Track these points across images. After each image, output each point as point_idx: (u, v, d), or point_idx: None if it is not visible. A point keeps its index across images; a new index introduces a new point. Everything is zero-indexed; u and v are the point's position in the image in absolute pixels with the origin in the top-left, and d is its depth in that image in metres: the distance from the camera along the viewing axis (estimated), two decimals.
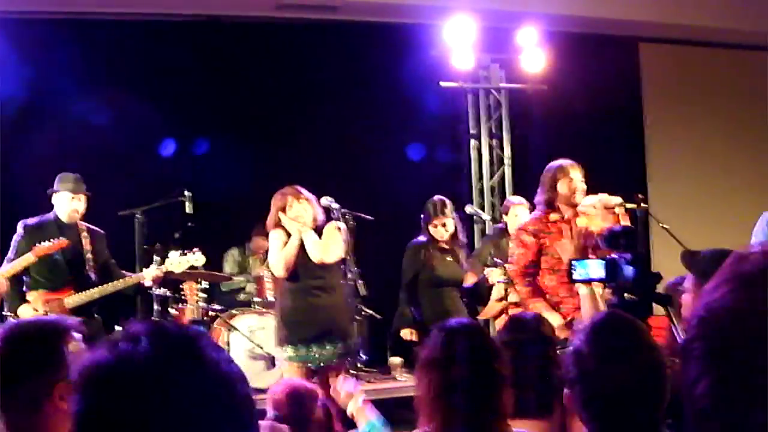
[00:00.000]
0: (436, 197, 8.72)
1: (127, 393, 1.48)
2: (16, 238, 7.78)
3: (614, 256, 4.58)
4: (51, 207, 8.01)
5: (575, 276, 4.85)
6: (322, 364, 7.51)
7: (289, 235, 7.60)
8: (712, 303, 1.41)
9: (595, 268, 4.69)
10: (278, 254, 7.61)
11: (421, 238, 8.74)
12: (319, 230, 7.63)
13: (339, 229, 7.71)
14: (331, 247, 7.63)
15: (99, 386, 1.52)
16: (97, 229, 8.16)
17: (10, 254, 7.68)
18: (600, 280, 4.88)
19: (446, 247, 8.73)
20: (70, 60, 10.54)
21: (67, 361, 2.92)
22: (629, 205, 7.35)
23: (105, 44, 10.89)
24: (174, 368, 1.51)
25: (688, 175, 13.14)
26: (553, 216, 7.35)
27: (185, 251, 8.11)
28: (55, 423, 2.90)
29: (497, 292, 9.26)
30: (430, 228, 8.63)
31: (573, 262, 4.86)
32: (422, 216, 8.72)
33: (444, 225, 8.63)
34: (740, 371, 1.32)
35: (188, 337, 1.58)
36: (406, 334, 8.67)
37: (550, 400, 3.69)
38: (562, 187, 7.31)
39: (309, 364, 7.55)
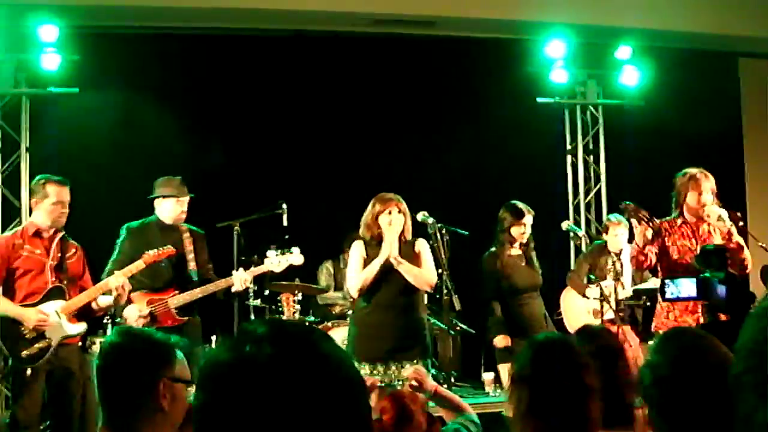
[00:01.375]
0: (513, 202, 8.70)
1: (247, 392, 1.52)
2: (119, 240, 7.96)
3: (707, 275, 4.55)
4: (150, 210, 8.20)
5: (667, 294, 4.83)
6: (388, 383, 7.27)
7: (370, 247, 7.58)
8: (760, 332, 1.41)
9: (687, 286, 4.66)
10: (357, 273, 7.54)
11: (492, 249, 8.71)
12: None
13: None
14: (431, 269, 7.64)
15: (221, 384, 1.56)
16: (197, 229, 8.30)
17: (115, 256, 7.87)
18: (692, 299, 4.85)
19: (519, 252, 8.69)
20: (156, 73, 10.78)
21: (175, 366, 3.05)
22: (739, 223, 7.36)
23: (196, 59, 11.11)
24: (295, 369, 1.54)
25: None
26: (680, 221, 7.50)
27: (283, 250, 8.16)
28: (153, 419, 3.01)
29: (592, 309, 9.23)
30: (513, 230, 8.59)
31: (665, 281, 4.85)
32: (500, 221, 8.67)
33: (525, 226, 8.61)
34: None
35: (308, 336, 1.62)
36: (500, 341, 8.62)
37: (630, 410, 3.68)
38: (690, 199, 7.39)
39: (387, 382, 7.32)
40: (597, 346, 3.95)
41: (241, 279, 7.95)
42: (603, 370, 3.66)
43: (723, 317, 4.34)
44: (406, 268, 7.48)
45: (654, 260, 7.40)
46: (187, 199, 8.10)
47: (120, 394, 3.05)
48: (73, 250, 7.56)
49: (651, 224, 7.29)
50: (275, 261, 8.08)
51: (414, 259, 7.59)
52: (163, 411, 3.01)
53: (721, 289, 4.38)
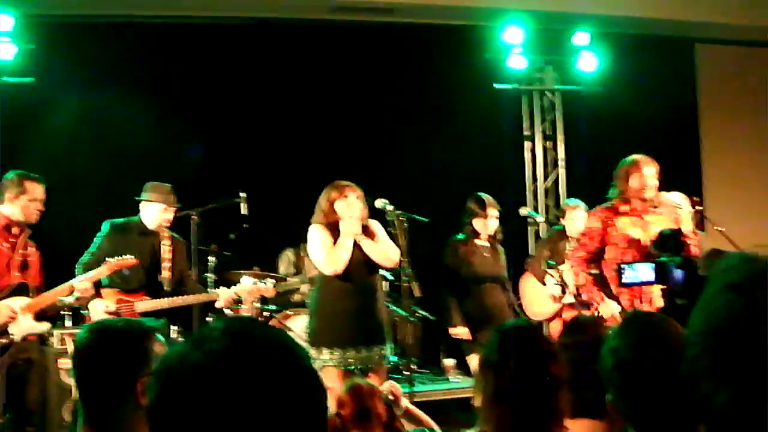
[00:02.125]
0: (480, 194, 8.73)
1: (200, 387, 1.53)
2: (100, 234, 7.87)
3: (664, 259, 4.58)
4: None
5: (624, 279, 4.86)
6: (359, 368, 7.35)
7: (328, 231, 7.56)
8: (711, 315, 1.41)
9: (644, 271, 4.69)
10: (329, 251, 7.49)
11: (459, 235, 8.74)
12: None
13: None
14: (392, 245, 7.66)
15: (173, 379, 1.57)
16: (178, 237, 8.27)
17: (92, 248, 7.81)
18: (649, 283, 4.88)
19: (485, 243, 8.71)
20: (115, 63, 10.71)
21: (152, 360, 3.03)
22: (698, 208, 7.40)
23: (156, 47, 11.01)
24: (243, 362, 1.55)
25: (744, 177, 13.01)
26: (623, 207, 7.50)
27: (259, 279, 8.17)
28: (134, 417, 3.00)
29: (551, 293, 9.28)
30: (475, 222, 8.61)
31: (622, 265, 4.87)
32: (467, 211, 8.70)
33: (494, 218, 8.63)
34: (754, 378, 1.33)
35: (255, 329, 1.63)
36: (459, 332, 8.65)
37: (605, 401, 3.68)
38: (633, 181, 7.50)
39: (347, 368, 7.39)
40: (587, 336, 3.96)
41: (227, 297, 7.94)
42: (581, 361, 3.68)
43: (679, 302, 4.37)
44: (368, 245, 7.51)
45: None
46: (173, 208, 8.06)
47: (98, 395, 3.03)
48: (33, 250, 7.50)
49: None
50: (247, 289, 8.06)
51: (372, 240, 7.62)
52: (143, 407, 3.00)
53: (678, 273, 4.41)
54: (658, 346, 2.89)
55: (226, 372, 1.53)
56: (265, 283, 8.13)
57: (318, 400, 1.62)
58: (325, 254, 7.53)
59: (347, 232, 7.48)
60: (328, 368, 7.33)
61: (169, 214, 8.05)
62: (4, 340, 7.02)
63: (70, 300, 7.41)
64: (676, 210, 7.40)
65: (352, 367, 7.33)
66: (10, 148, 10.01)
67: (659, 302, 7.28)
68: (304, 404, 1.58)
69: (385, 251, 7.59)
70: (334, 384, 6.61)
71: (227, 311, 9.29)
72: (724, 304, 1.41)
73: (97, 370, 3.03)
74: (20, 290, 7.20)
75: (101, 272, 7.46)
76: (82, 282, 7.33)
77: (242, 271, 8.94)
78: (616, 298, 7.38)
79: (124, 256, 7.58)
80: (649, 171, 7.50)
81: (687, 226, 7.28)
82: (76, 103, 10.44)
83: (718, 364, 1.38)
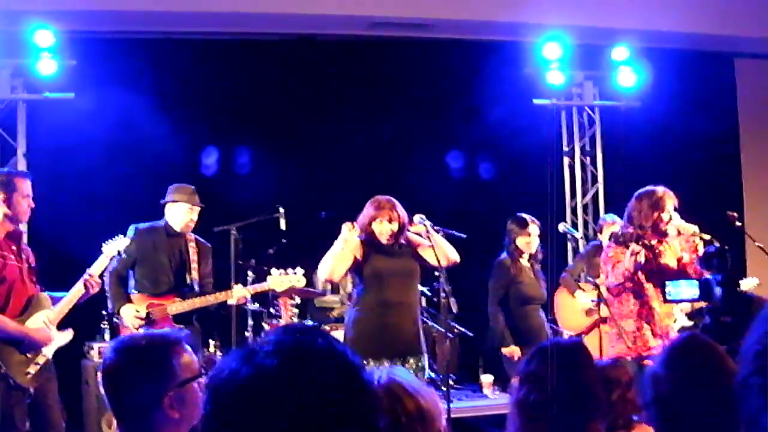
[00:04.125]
0: (519, 214, 8.75)
1: (251, 403, 1.55)
2: (125, 244, 7.86)
3: (708, 276, 4.55)
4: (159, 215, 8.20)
5: (668, 296, 4.83)
6: None
7: (361, 239, 7.54)
8: (765, 336, 1.40)
9: (688, 288, 4.67)
10: (330, 256, 7.51)
11: (504, 255, 8.74)
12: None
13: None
14: (445, 243, 7.67)
15: (225, 395, 1.59)
16: (204, 241, 8.33)
17: (119, 255, 7.78)
18: (692, 301, 4.86)
19: (527, 264, 8.72)
20: (154, 78, 10.80)
21: (177, 373, 3.05)
22: (705, 236, 7.27)
23: (196, 64, 11.06)
24: (297, 377, 1.57)
25: None
26: (634, 246, 7.33)
27: (287, 270, 8.18)
28: (166, 430, 3.02)
29: (586, 307, 9.26)
30: (518, 241, 8.62)
31: (667, 283, 4.84)
32: (509, 232, 8.71)
33: (536, 236, 8.64)
34: None
35: (310, 343, 1.64)
36: (511, 351, 8.65)
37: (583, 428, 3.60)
38: (656, 217, 7.32)
39: None
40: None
41: (239, 295, 8.00)
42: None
43: (723, 319, 4.34)
44: (437, 239, 7.56)
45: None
46: (198, 208, 8.12)
47: (129, 411, 3.07)
48: (30, 252, 7.27)
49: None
50: (278, 280, 8.10)
51: (415, 254, 7.64)
52: (176, 419, 3.02)
53: (718, 291, 4.38)
54: (699, 379, 2.85)
55: (277, 388, 1.55)
56: (295, 273, 8.15)
57: (371, 410, 1.63)
58: (327, 256, 7.54)
59: (338, 242, 7.49)
60: None
61: (194, 215, 8.13)
62: (40, 361, 6.92)
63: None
64: (694, 240, 7.29)
65: None
66: (54, 161, 10.11)
67: (673, 333, 7.29)
68: (358, 416, 1.60)
69: (445, 247, 7.61)
70: None
71: (266, 326, 9.33)
72: None
73: (125, 388, 3.06)
74: (39, 302, 7.00)
75: (79, 290, 7.16)
76: (77, 288, 7.23)
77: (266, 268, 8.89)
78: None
79: (94, 278, 7.35)
80: (669, 206, 7.38)
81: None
82: (114, 119, 10.50)
83: (766, 385, 1.37)
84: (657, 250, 7.37)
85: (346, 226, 7.49)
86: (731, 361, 2.99)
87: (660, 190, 7.44)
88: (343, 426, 1.56)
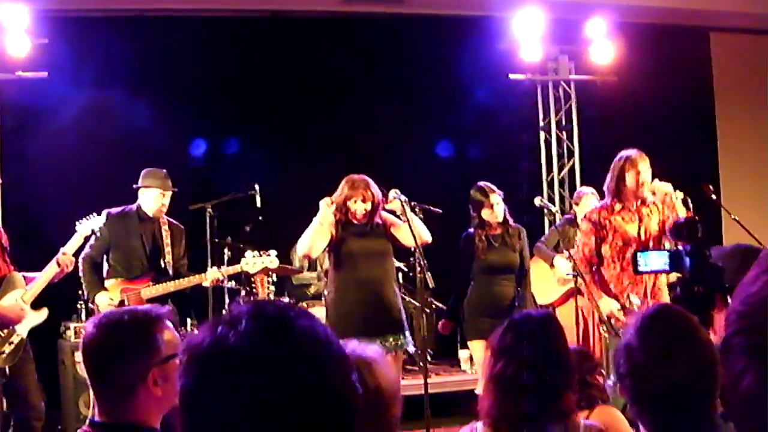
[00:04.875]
0: (479, 183, 8.65)
1: (227, 372, 1.55)
2: (99, 223, 7.82)
3: (679, 247, 4.56)
4: (128, 199, 8.15)
5: (640, 268, 4.84)
6: None
7: (336, 218, 7.55)
8: (750, 297, 1.41)
9: (659, 259, 4.68)
10: (308, 234, 7.56)
11: (471, 230, 8.69)
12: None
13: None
14: (418, 224, 7.70)
15: (202, 366, 1.59)
16: (177, 223, 8.30)
17: (92, 240, 7.79)
18: (664, 271, 4.88)
19: (497, 232, 8.64)
20: (128, 57, 10.74)
21: (161, 348, 3.02)
22: (679, 193, 7.36)
23: (167, 41, 10.97)
24: (272, 348, 1.58)
25: (760, 165, 12.95)
26: (618, 206, 7.48)
27: (261, 252, 8.18)
28: (148, 407, 3.01)
29: (559, 278, 9.28)
30: (483, 213, 8.54)
31: (637, 254, 4.85)
32: (471, 204, 8.63)
33: (496, 205, 8.54)
34: None
35: (286, 315, 1.65)
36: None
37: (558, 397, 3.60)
38: (629, 180, 7.42)
39: None
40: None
41: (213, 278, 7.99)
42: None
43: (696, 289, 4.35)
44: (411, 217, 7.59)
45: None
46: (169, 193, 8.09)
47: (110, 388, 3.02)
48: (1, 231, 7.31)
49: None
50: (251, 262, 8.10)
51: (388, 234, 7.66)
52: (158, 396, 3.00)
53: (687, 261, 4.40)
54: (673, 350, 2.85)
55: (263, 353, 1.56)
56: (269, 255, 8.16)
57: (349, 373, 1.66)
58: (306, 232, 7.59)
59: (317, 218, 7.52)
60: None
61: (166, 199, 8.09)
62: (14, 340, 6.90)
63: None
64: (670, 198, 7.37)
65: None
66: (22, 142, 10.07)
67: (666, 298, 7.36)
68: (339, 376, 1.63)
69: (419, 227, 7.66)
70: None
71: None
72: (762, 287, 1.41)
73: (108, 364, 3.02)
74: (12, 282, 7.04)
75: (53, 268, 7.24)
76: (60, 256, 7.24)
77: (242, 245, 8.88)
78: (615, 297, 7.40)
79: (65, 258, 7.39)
80: (644, 167, 7.45)
81: (681, 213, 7.29)
82: (88, 98, 10.45)
83: (749, 346, 1.38)
84: (639, 215, 7.49)
85: (324, 202, 7.51)
86: (704, 330, 2.99)
87: (624, 154, 7.57)
88: (328, 393, 1.59)
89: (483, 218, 8.48)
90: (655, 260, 4.71)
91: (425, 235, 7.65)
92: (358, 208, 7.48)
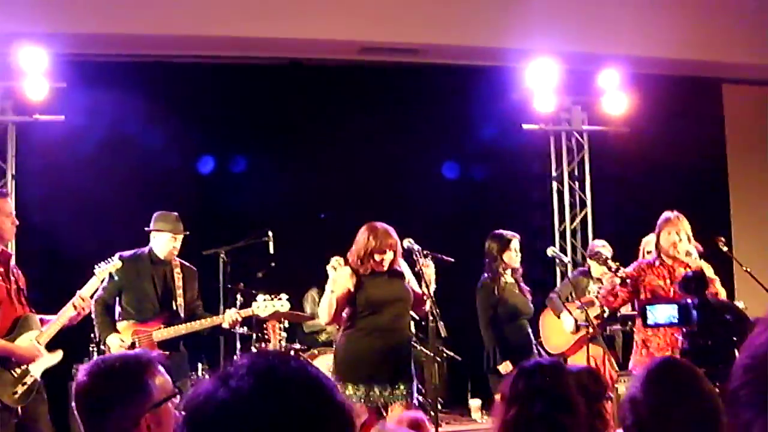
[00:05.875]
0: (496, 231, 8.77)
1: (226, 425, 1.57)
2: (111, 269, 7.78)
3: (688, 300, 4.58)
4: (144, 242, 8.19)
5: (648, 321, 4.87)
6: (383, 403, 7.32)
7: (355, 274, 7.56)
8: (757, 349, 1.44)
9: (667, 312, 4.70)
10: (327, 301, 7.56)
11: (485, 276, 8.76)
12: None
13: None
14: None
15: (192, 419, 1.61)
16: (189, 265, 8.31)
17: (106, 283, 7.79)
18: (672, 325, 4.90)
19: (512, 281, 8.76)
20: (145, 101, 10.81)
21: (153, 393, 3.03)
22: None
23: (186, 87, 11.06)
24: (256, 403, 1.58)
25: None
26: (657, 262, 7.89)
27: (272, 296, 8.19)
28: None
29: (571, 327, 9.32)
30: (506, 256, 8.65)
31: (647, 307, 4.88)
32: (490, 251, 8.72)
33: (516, 249, 8.69)
34: None
35: (276, 369, 1.65)
36: (506, 367, 8.68)
37: None
38: (663, 239, 7.77)
39: (370, 404, 7.36)
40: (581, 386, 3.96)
41: (232, 319, 7.98)
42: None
43: (702, 342, 4.37)
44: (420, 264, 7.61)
45: (624, 299, 8.05)
46: (181, 236, 8.12)
47: None
48: (20, 274, 7.19)
49: (616, 273, 7.79)
50: (262, 305, 8.12)
51: (403, 284, 7.64)
52: None
53: (695, 314, 4.42)
54: (678, 403, 2.87)
55: (252, 411, 1.57)
56: (280, 299, 8.17)
57: (344, 430, 1.65)
58: (323, 303, 7.60)
59: (329, 286, 7.54)
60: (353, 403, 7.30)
61: (177, 243, 8.11)
62: (28, 381, 6.88)
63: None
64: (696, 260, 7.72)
65: (376, 404, 7.35)
66: (44, 184, 10.14)
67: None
68: (331, 427, 1.62)
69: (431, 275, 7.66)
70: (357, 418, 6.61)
71: (254, 350, 9.33)
72: (767, 340, 1.44)
73: (101, 411, 3.02)
74: (27, 323, 6.95)
75: (68, 308, 7.18)
76: (77, 300, 7.23)
77: (254, 291, 8.90)
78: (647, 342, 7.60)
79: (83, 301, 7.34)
80: (678, 228, 7.79)
81: (709, 272, 7.56)
82: (104, 142, 10.53)
83: (756, 398, 1.41)
84: (676, 273, 7.67)
85: (333, 264, 7.53)
86: (709, 383, 3.01)
87: (665, 214, 7.94)
88: None
89: (504, 262, 8.60)
90: (663, 313, 4.74)
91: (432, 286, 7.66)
92: (386, 258, 7.48)
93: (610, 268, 7.87)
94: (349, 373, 7.43)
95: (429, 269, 7.72)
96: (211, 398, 1.60)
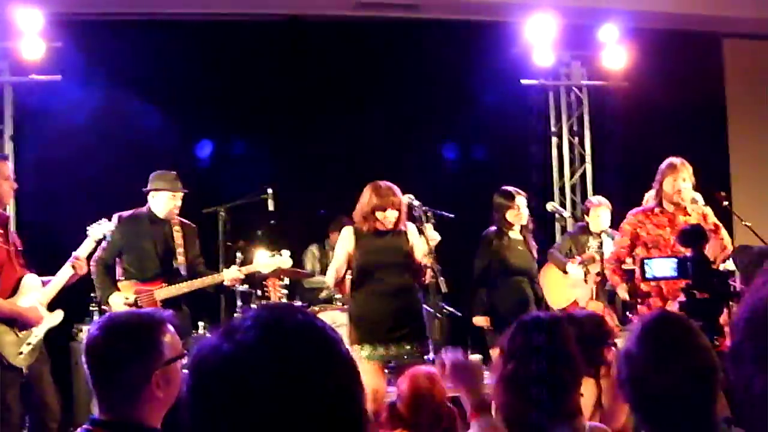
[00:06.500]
0: (504, 187, 8.75)
1: (232, 378, 1.58)
2: (110, 228, 7.81)
3: (687, 254, 4.58)
4: (139, 201, 8.17)
5: (646, 274, 4.87)
6: (397, 363, 7.41)
7: (365, 237, 7.60)
8: (757, 302, 1.43)
9: (666, 265, 4.70)
10: (333, 267, 7.72)
11: (492, 228, 8.75)
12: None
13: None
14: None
15: (206, 372, 1.62)
16: (189, 223, 8.29)
17: (104, 243, 7.78)
18: (671, 278, 4.90)
19: (519, 237, 8.73)
20: (141, 60, 10.76)
21: (163, 351, 3.05)
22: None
23: (182, 45, 11.03)
24: (262, 353, 1.59)
25: None
26: (657, 210, 7.81)
27: (274, 252, 8.19)
28: (150, 408, 3.04)
29: (572, 283, 9.33)
30: (508, 215, 8.62)
31: (645, 261, 4.88)
32: (496, 207, 8.71)
33: (521, 207, 8.66)
34: None
35: (281, 320, 1.66)
36: (479, 321, 8.72)
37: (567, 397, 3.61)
38: (667, 185, 7.62)
39: (387, 363, 7.54)
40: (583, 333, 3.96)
41: (232, 277, 7.98)
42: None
43: (699, 296, 4.37)
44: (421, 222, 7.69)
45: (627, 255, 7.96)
46: (180, 194, 8.09)
47: (114, 388, 3.04)
48: (16, 236, 7.28)
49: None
50: (263, 262, 8.10)
51: (405, 245, 7.65)
52: (160, 398, 3.02)
53: (691, 268, 4.43)
54: (673, 358, 2.87)
55: (257, 362, 1.58)
56: (281, 255, 8.17)
57: (351, 382, 1.66)
58: (330, 266, 7.81)
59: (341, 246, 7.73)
60: (369, 363, 7.36)
61: (177, 201, 8.09)
62: (32, 342, 6.92)
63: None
64: (701, 207, 7.66)
65: (387, 364, 7.44)
66: (42, 144, 10.12)
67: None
68: (338, 389, 1.62)
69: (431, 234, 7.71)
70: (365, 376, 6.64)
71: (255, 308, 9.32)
72: None
73: (112, 365, 3.04)
74: (29, 284, 7.03)
75: (68, 271, 7.26)
76: (66, 270, 7.23)
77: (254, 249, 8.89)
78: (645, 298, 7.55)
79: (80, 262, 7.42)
80: (683, 175, 7.65)
81: (713, 218, 7.54)
82: (101, 101, 10.49)
83: (758, 352, 1.40)
84: (677, 221, 7.68)
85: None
86: (704, 336, 3.01)
87: (668, 160, 7.88)
88: (324, 398, 1.59)
89: (507, 220, 8.58)
90: (661, 267, 4.73)
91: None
92: (389, 216, 7.49)
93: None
94: (358, 334, 7.49)
95: (430, 226, 7.73)
96: (216, 351, 1.61)
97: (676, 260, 4.62)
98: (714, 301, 4.31)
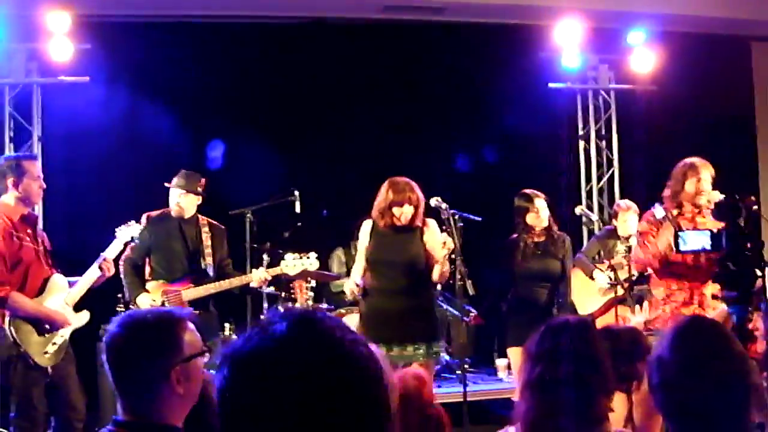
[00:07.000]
0: (524, 190, 8.65)
1: (266, 369, 1.60)
2: (138, 230, 7.80)
3: (720, 227, 4.57)
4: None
5: (681, 247, 4.85)
6: (404, 364, 7.18)
7: (381, 234, 7.62)
8: None
9: (701, 239, 4.68)
10: (358, 264, 7.78)
11: (515, 235, 8.67)
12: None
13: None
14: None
15: (234, 367, 1.64)
16: (217, 224, 8.31)
17: (132, 243, 7.78)
18: (705, 251, 4.87)
19: (541, 239, 8.60)
20: (171, 62, 10.78)
21: (183, 348, 3.06)
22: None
23: (211, 47, 11.05)
24: (297, 346, 1.61)
25: None
26: (675, 212, 7.47)
27: (301, 254, 8.19)
28: (171, 405, 3.04)
29: (600, 288, 9.25)
30: (528, 217, 8.52)
31: (679, 234, 4.86)
32: (515, 210, 8.62)
33: (541, 210, 8.53)
34: None
35: (312, 317, 1.68)
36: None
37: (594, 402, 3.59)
38: (689, 186, 7.43)
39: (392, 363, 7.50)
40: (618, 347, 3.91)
41: (260, 278, 7.99)
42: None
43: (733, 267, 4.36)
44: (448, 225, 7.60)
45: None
46: (193, 195, 8.08)
47: (133, 385, 3.06)
48: (45, 236, 7.30)
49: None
50: (291, 264, 8.10)
51: (417, 244, 7.63)
52: (180, 394, 3.03)
53: (725, 240, 4.42)
54: (706, 364, 2.83)
55: (290, 353, 1.60)
56: (308, 257, 8.17)
57: (377, 370, 1.68)
58: (355, 266, 7.87)
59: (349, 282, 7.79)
60: None
61: (188, 200, 8.10)
62: (58, 342, 6.94)
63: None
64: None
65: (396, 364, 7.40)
66: (69, 145, 10.16)
67: (711, 305, 7.32)
68: (365, 374, 1.65)
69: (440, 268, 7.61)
70: None
71: (281, 309, 9.32)
72: None
73: (132, 361, 3.05)
74: (56, 284, 7.04)
75: (95, 272, 7.26)
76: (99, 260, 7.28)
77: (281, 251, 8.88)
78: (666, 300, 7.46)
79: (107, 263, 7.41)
80: (705, 176, 7.46)
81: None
82: (129, 103, 10.54)
83: None
84: (694, 223, 7.44)
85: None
86: (738, 342, 2.97)
87: (688, 160, 7.61)
88: (356, 385, 1.62)
89: (527, 224, 8.48)
90: (695, 240, 4.71)
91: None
92: (405, 212, 7.49)
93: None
94: (368, 333, 7.43)
95: (455, 229, 7.69)
96: (250, 345, 1.64)
97: (709, 233, 4.61)
98: (747, 273, 4.29)
